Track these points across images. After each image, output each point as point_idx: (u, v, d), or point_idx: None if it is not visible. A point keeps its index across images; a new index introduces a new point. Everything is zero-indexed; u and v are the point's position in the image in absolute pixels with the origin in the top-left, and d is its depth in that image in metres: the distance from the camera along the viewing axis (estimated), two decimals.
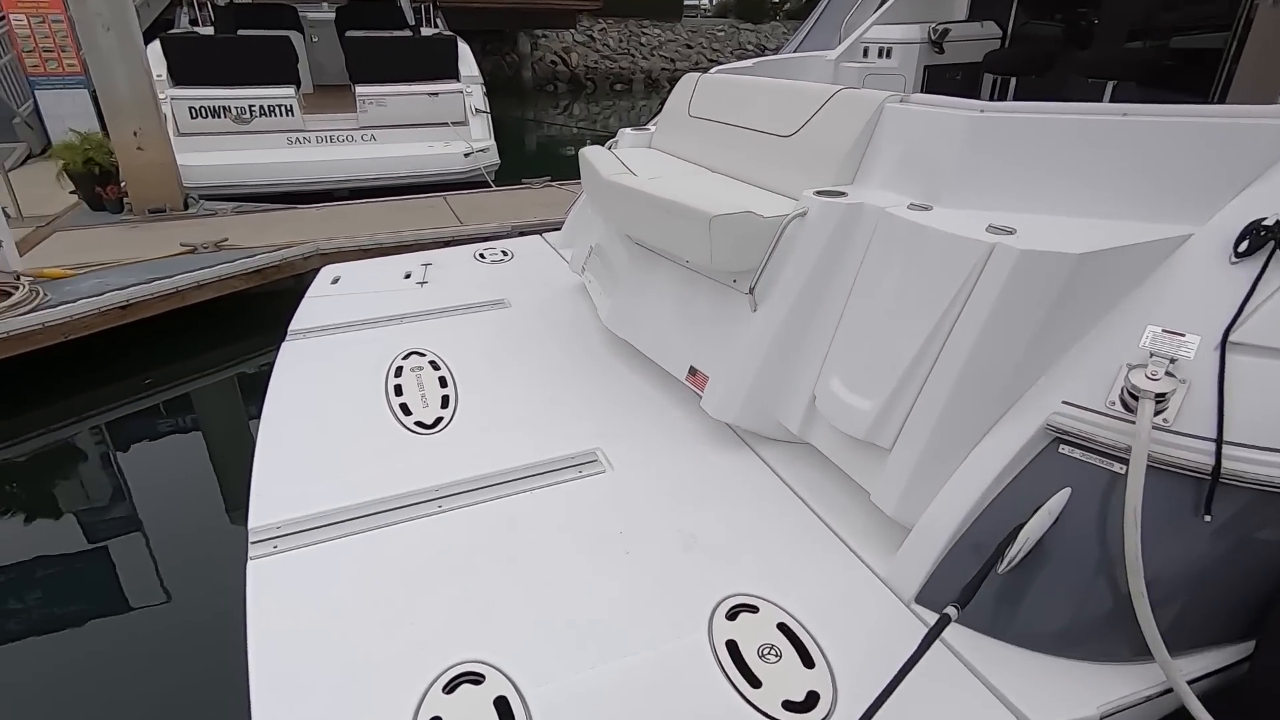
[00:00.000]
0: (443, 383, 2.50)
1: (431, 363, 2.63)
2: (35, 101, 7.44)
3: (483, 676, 1.40)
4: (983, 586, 1.37)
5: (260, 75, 6.72)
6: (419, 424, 2.26)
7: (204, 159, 6.30)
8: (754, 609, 1.54)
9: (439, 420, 2.28)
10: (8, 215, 4.45)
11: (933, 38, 3.95)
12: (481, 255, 3.79)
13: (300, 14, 8.85)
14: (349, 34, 7.60)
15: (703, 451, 2.10)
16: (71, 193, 5.73)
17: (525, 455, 2.07)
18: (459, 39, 7.82)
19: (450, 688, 1.38)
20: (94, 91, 5.78)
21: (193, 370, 4.20)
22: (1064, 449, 1.47)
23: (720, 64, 3.45)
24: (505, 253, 3.83)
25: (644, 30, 20.50)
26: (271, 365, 2.66)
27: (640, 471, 2.02)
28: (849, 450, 1.83)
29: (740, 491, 1.93)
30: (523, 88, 17.50)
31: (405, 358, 2.66)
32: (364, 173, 6.78)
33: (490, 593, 1.60)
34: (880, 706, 1.21)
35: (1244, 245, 1.44)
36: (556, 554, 1.71)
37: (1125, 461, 1.38)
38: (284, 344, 2.82)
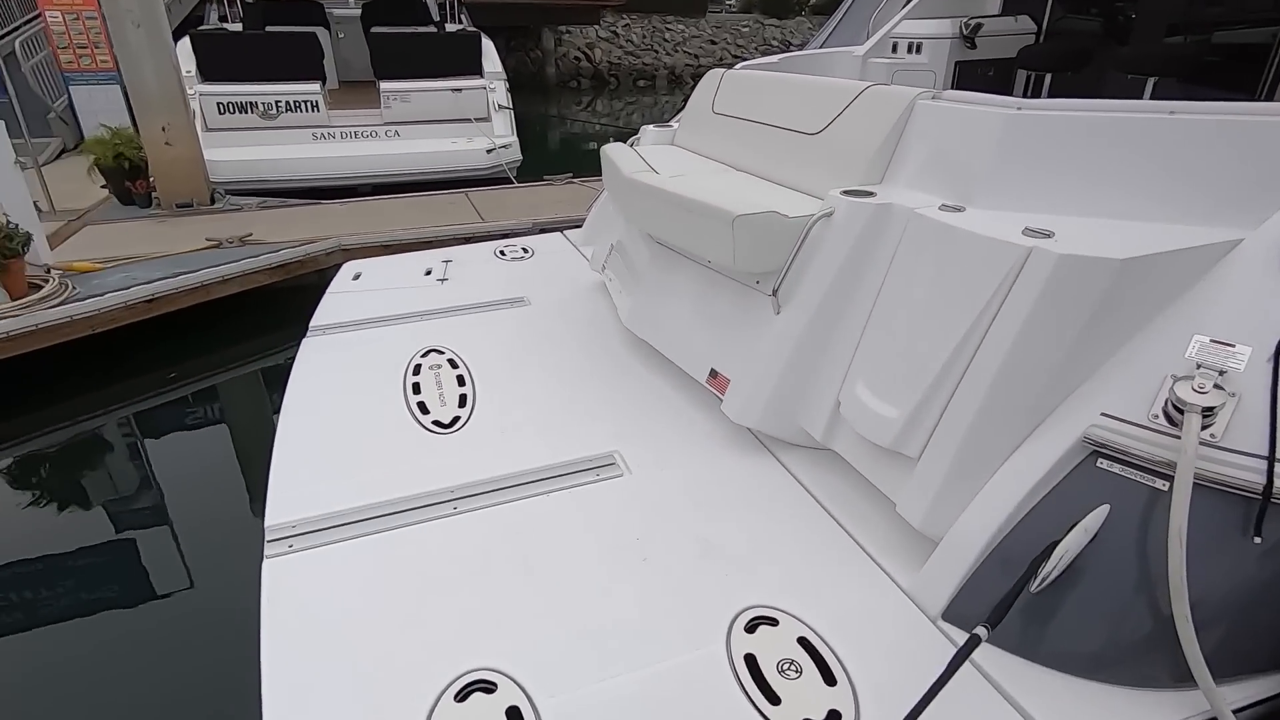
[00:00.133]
0: (460, 381, 2.48)
1: (450, 361, 2.62)
2: (69, 97, 7.58)
3: (495, 685, 1.37)
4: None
5: (287, 71, 6.78)
6: (436, 423, 2.24)
7: (231, 154, 6.37)
8: (774, 622, 1.50)
9: (456, 420, 2.26)
10: (39, 210, 4.53)
11: (964, 33, 3.85)
12: (502, 253, 3.77)
13: (327, 10, 8.92)
14: (374, 30, 7.64)
15: (723, 456, 2.06)
16: (102, 187, 5.83)
17: (542, 457, 2.04)
18: (483, 35, 7.83)
19: (462, 696, 1.36)
20: (125, 87, 5.87)
21: (217, 364, 4.25)
22: (1102, 463, 1.40)
23: (745, 60, 3.39)
24: (526, 250, 3.80)
25: (668, 26, 20.40)
26: (292, 361, 2.66)
27: (658, 476, 1.98)
28: (874, 458, 1.77)
29: (761, 498, 1.89)
30: (546, 84, 17.51)
31: (424, 355, 2.65)
32: (387, 168, 6.81)
33: (504, 598, 1.58)
34: None
35: None
36: (572, 559, 1.68)
37: (1168, 478, 1.31)
38: (304, 340, 2.82)
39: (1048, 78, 3.91)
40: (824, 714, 1.31)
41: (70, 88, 7.51)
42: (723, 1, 25.76)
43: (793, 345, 1.95)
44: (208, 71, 6.71)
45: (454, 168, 6.95)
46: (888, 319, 1.76)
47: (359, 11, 8.89)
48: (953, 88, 3.82)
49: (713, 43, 20.80)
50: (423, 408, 2.32)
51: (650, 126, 3.13)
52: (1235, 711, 1.28)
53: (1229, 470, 1.29)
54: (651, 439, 2.14)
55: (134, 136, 5.57)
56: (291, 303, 3.69)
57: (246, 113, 6.68)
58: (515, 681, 1.37)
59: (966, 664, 1.28)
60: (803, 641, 1.45)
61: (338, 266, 3.64)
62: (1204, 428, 1.30)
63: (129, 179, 5.60)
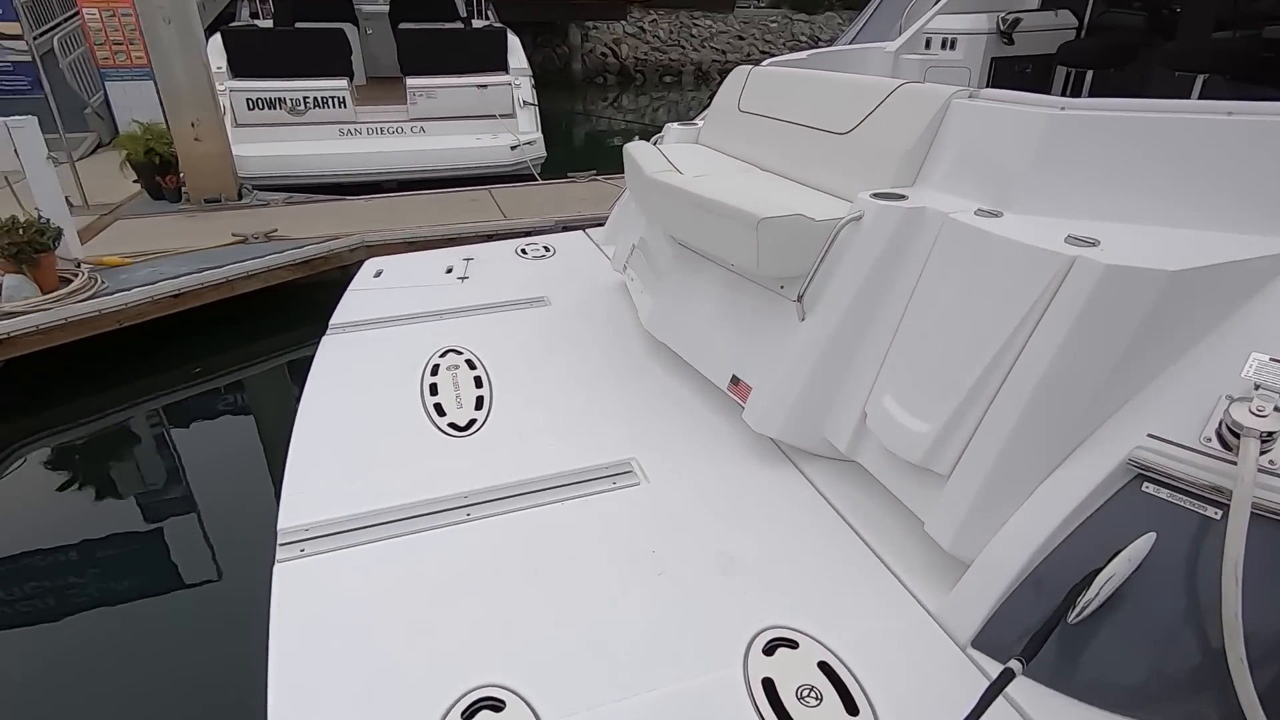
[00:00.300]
0: (478, 383, 2.45)
1: (468, 361, 2.59)
2: (105, 92, 7.73)
3: (503, 703, 1.33)
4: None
5: (315, 67, 6.83)
6: (452, 425, 2.21)
7: (259, 149, 6.43)
8: (793, 644, 1.44)
9: (472, 422, 2.23)
10: (71, 204, 4.61)
11: (1002, 28, 3.72)
12: (523, 251, 3.74)
13: (355, 6, 8.98)
14: (401, 26, 7.66)
15: (743, 466, 2.00)
16: (134, 182, 5.92)
17: (558, 463, 2.00)
18: (509, 31, 7.82)
19: (469, 713, 1.32)
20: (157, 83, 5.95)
21: (241, 360, 4.29)
22: (1148, 488, 1.32)
23: (773, 56, 3.31)
24: (547, 249, 3.76)
25: (695, 22, 20.26)
26: (313, 358, 2.66)
27: (677, 485, 1.93)
28: (901, 474, 1.70)
29: (782, 512, 1.82)
30: (572, 79, 17.49)
31: (442, 355, 2.63)
32: (412, 165, 6.84)
33: (515, 610, 1.54)
34: None
35: None
36: (586, 571, 1.64)
37: (1221, 506, 1.23)
38: (324, 338, 2.81)
39: (1088, 75, 3.77)
40: None
41: (106, 83, 7.65)
42: None
43: (817, 353, 1.88)
44: (238, 67, 6.78)
45: (478, 164, 6.95)
46: (918, 329, 1.69)
47: (387, 8, 8.94)
48: (988, 85, 3.70)
49: (740, 38, 20.61)
50: (439, 409, 2.29)
51: (674, 124, 3.07)
52: None
53: None
54: (670, 446, 2.08)
55: (165, 132, 5.65)
56: (315, 299, 3.71)
57: (275, 108, 6.74)
58: (524, 699, 1.33)
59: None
60: (823, 666, 1.39)
61: (361, 263, 3.63)
62: (1262, 453, 1.21)
63: (159, 174, 5.68)
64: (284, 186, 6.29)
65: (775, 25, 22.01)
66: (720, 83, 2.93)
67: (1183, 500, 1.28)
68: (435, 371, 2.52)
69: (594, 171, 6.66)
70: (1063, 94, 3.87)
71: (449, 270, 3.46)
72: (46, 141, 4.20)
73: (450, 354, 2.64)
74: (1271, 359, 1.28)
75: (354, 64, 7.39)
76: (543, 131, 7.42)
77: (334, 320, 2.96)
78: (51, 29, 7.94)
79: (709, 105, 2.98)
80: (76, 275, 3.95)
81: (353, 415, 2.28)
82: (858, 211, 1.82)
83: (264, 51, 6.85)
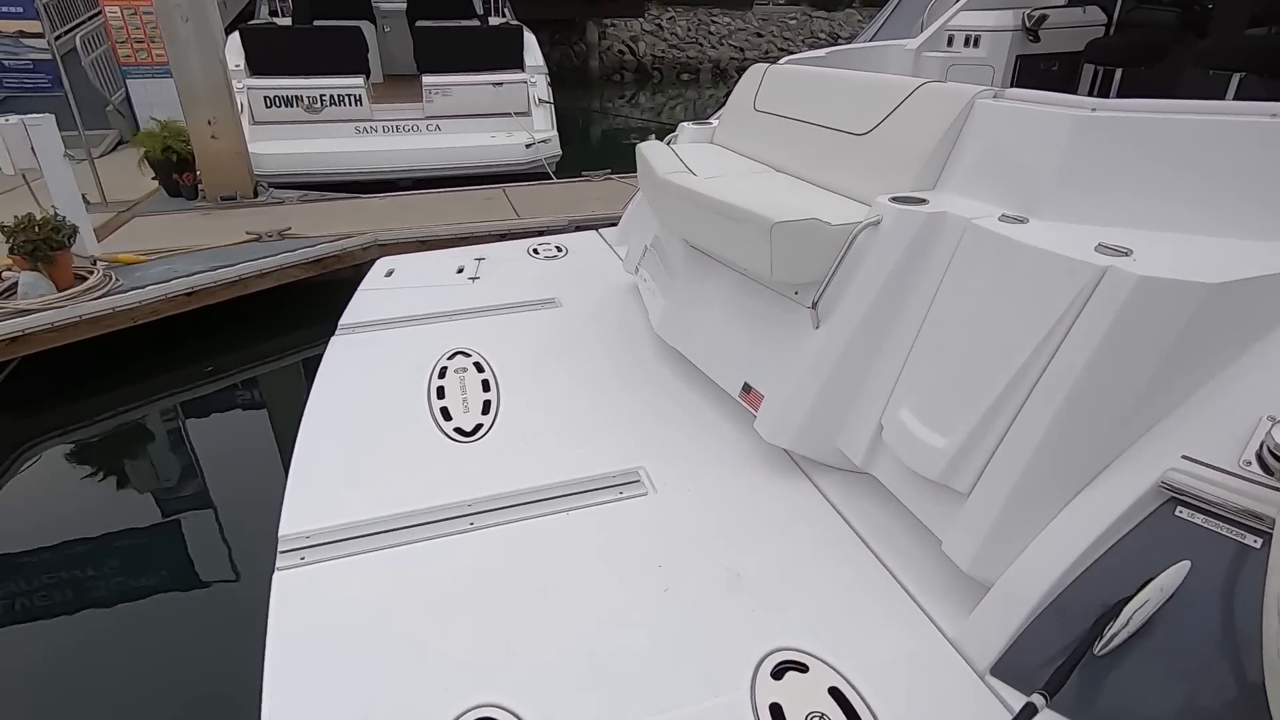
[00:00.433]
0: (485, 386, 2.41)
1: (476, 364, 2.55)
2: (127, 90, 7.80)
3: None
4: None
5: (332, 65, 6.84)
6: (458, 430, 2.18)
7: (275, 147, 6.45)
8: (803, 668, 1.38)
9: (478, 427, 2.19)
10: (88, 202, 4.63)
11: (1027, 25, 3.61)
12: (535, 251, 3.70)
13: (374, 4, 8.99)
14: (418, 24, 7.66)
15: (754, 477, 1.94)
16: (153, 179, 5.96)
17: (564, 471, 1.96)
18: (524, 28, 7.79)
19: None
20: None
21: (253, 358, 4.29)
22: (1182, 512, 1.24)
23: (791, 54, 3.24)
24: (559, 249, 3.72)
25: (713, 19, 20.13)
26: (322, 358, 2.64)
27: (685, 496, 1.87)
28: (918, 490, 1.64)
29: (794, 526, 1.76)
30: (589, 77, 17.46)
31: (450, 358, 2.59)
32: (427, 163, 6.83)
33: (516, 625, 1.50)
34: None
35: None
36: (590, 586, 1.59)
37: (1261, 534, 1.15)
38: (333, 338, 2.79)
39: (1117, 74, 3.65)
40: None
41: (128, 81, 7.73)
42: None
43: (832, 363, 1.82)
44: (256, 65, 6.81)
45: (493, 162, 6.93)
46: (938, 339, 1.62)
47: (405, 5, 8.94)
48: (1013, 84, 3.60)
49: (759, 35, 20.45)
50: (446, 413, 2.26)
51: (688, 124, 3.01)
52: None
53: None
54: (679, 455, 2.03)
55: (183, 130, 5.68)
56: (328, 297, 3.69)
57: (292, 106, 6.76)
58: None
59: None
60: (834, 692, 1.33)
61: (373, 261, 3.62)
62: None
63: (177, 172, 5.71)
64: (299, 184, 6.30)
65: (794, 22, 21.80)
66: (738, 80, 2.87)
67: (1219, 527, 1.21)
68: (443, 374, 2.49)
69: (609, 170, 6.61)
70: (1090, 93, 3.76)
71: (460, 270, 3.43)
72: (66, 139, 4.23)
73: (459, 356, 2.61)
74: None
75: (371, 62, 7.40)
76: (559, 129, 7.38)
77: (343, 320, 2.94)
78: (74, 27, 8.03)
79: (724, 104, 2.92)
80: (92, 272, 3.97)
81: (358, 419, 2.25)
82: (875, 216, 1.75)
83: (282, 49, 6.88)
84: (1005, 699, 1.31)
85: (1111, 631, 1.20)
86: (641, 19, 18.72)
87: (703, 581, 1.59)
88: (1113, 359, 1.28)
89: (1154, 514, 1.27)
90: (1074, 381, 1.31)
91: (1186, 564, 1.21)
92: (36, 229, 3.63)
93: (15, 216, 3.64)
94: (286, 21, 8.33)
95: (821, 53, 3.31)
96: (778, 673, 1.37)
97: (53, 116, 4.05)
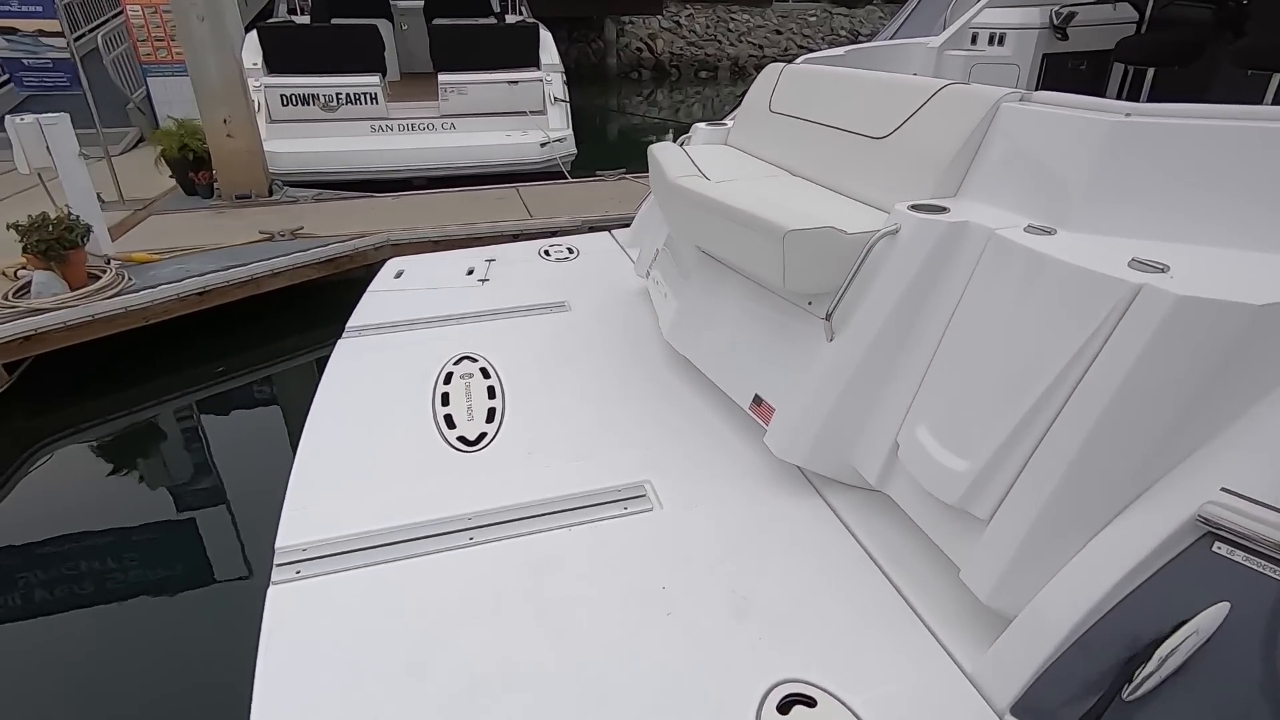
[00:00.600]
0: (491, 393, 2.36)
1: (482, 370, 2.51)
2: (147, 88, 7.86)
3: None
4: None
5: (348, 63, 6.84)
6: (461, 439, 2.13)
7: (291, 146, 6.46)
8: (811, 702, 1.31)
9: (482, 436, 2.14)
10: (103, 201, 4.65)
11: (1055, 22, 3.49)
12: (546, 253, 3.65)
13: (391, 2, 9.00)
14: (435, 22, 7.64)
15: (764, 494, 1.87)
16: (170, 177, 5.99)
17: (567, 484, 1.90)
18: (541, 26, 7.75)
19: None
20: None
21: (265, 358, 4.29)
22: (1220, 548, 1.16)
23: (810, 51, 3.15)
24: (570, 250, 3.67)
25: (732, 16, 19.95)
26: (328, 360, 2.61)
27: (692, 513, 1.81)
28: (936, 513, 1.56)
29: (804, 548, 1.69)
30: (607, 75, 17.38)
31: (456, 363, 2.55)
32: (442, 161, 6.81)
33: (514, 648, 1.44)
34: None
35: None
36: (590, 609, 1.53)
37: None
38: (340, 341, 2.76)
39: (1149, 74, 3.52)
40: None
41: (148, 79, 7.79)
42: None
43: (846, 377, 1.74)
44: (273, 64, 6.83)
45: (507, 161, 6.90)
46: (958, 356, 1.54)
47: (421, 3, 8.94)
48: (1040, 84, 3.49)
49: (778, 33, 20.24)
50: (449, 421, 2.22)
51: (702, 125, 2.94)
52: None
53: None
54: (686, 469, 1.97)
55: (199, 128, 5.70)
56: (339, 297, 3.67)
57: (309, 104, 6.77)
58: None
59: None
60: None
61: (385, 261, 3.59)
62: None
63: (192, 170, 5.74)
64: (314, 183, 6.31)
65: (814, 19, 21.55)
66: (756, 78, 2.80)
67: (1261, 565, 1.13)
68: (449, 380, 2.44)
69: (623, 170, 6.55)
70: (1120, 94, 3.63)
71: (470, 271, 3.39)
72: (84, 138, 4.25)
73: (465, 361, 2.56)
74: None
75: (388, 60, 7.39)
76: (575, 128, 7.33)
77: (351, 323, 2.91)
78: (96, 26, 8.10)
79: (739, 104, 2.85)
80: (105, 272, 3.98)
81: (361, 426, 2.21)
82: (894, 224, 1.68)
83: (299, 48, 6.89)
84: None
85: (1143, 675, 1.12)
86: (660, 16, 18.60)
87: (708, 606, 1.53)
88: (1147, 383, 1.20)
89: (1189, 549, 1.19)
90: (1105, 405, 1.23)
91: (1225, 605, 1.13)
92: (50, 228, 3.64)
93: (29, 216, 3.66)
94: (305, 19, 8.36)
95: (840, 51, 3.22)
96: (784, 706, 1.31)
97: (67, 116, 4.06)
